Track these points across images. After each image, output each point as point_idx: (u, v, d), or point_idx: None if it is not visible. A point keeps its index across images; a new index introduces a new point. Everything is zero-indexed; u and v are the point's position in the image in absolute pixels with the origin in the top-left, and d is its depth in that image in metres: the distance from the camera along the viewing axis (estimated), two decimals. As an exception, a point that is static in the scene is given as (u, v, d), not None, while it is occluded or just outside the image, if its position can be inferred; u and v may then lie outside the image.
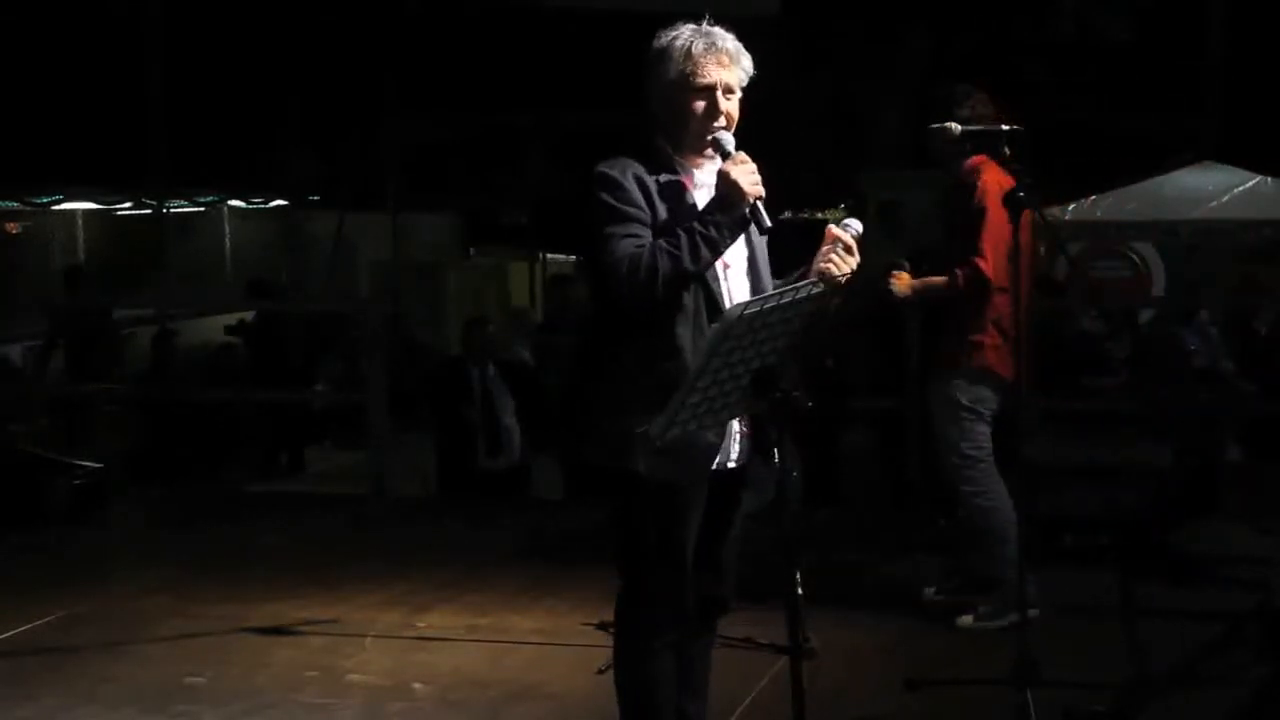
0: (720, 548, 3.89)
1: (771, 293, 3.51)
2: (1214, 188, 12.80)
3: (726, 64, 3.69)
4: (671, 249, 3.54)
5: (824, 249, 3.67)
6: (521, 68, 16.69)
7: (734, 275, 3.73)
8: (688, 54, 3.67)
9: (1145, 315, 12.27)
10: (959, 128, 5.39)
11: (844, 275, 3.64)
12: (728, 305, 3.61)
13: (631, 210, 3.61)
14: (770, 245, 3.78)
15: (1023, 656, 4.60)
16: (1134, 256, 14.79)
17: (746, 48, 3.76)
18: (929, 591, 6.02)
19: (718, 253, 3.61)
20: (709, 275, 3.64)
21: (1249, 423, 9.43)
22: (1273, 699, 4.88)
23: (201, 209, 19.48)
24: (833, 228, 3.69)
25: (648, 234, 3.60)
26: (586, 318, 3.90)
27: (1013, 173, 5.21)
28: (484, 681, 5.26)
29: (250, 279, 15.22)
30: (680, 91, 3.68)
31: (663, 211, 3.64)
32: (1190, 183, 13.05)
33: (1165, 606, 5.95)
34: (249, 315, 14.02)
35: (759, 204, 3.60)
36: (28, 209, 17.71)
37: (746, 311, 3.30)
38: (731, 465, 3.77)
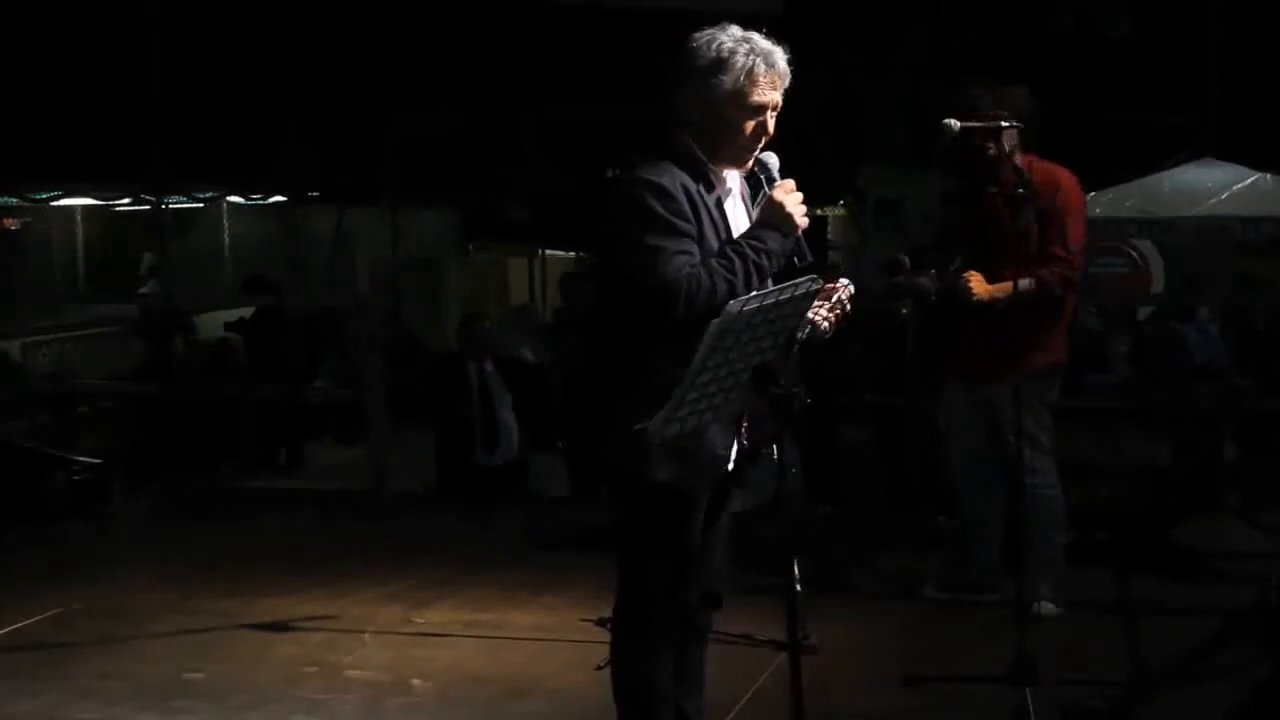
0: (712, 544, 3.91)
1: (770, 289, 3.51)
2: (1213, 184, 12.80)
3: (779, 84, 3.67)
4: (727, 273, 3.54)
5: (820, 299, 3.68)
6: (521, 63, 16.68)
7: None
8: (749, 72, 3.61)
9: (1144, 312, 12.30)
10: (957, 124, 5.29)
11: (827, 332, 3.71)
12: None
13: (682, 225, 3.57)
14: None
15: (1021, 654, 4.60)
16: (1133, 253, 14.81)
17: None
18: (929, 589, 6.02)
19: (765, 278, 3.62)
20: None
21: (1248, 419, 9.44)
22: (1272, 696, 4.88)
23: (201, 205, 19.47)
24: (838, 283, 3.75)
25: (696, 250, 3.57)
26: (596, 318, 3.83)
27: (1011, 170, 5.22)
28: (483, 677, 5.26)
29: (247, 277, 15.22)
30: (733, 108, 3.63)
31: (707, 226, 3.62)
32: (1189, 180, 13.06)
33: (1164, 603, 5.96)
34: (247, 312, 14.00)
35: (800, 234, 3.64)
36: (27, 205, 17.71)
37: (746, 308, 3.30)
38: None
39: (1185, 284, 13.95)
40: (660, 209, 3.56)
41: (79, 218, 18.91)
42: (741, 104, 3.63)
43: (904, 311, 5.80)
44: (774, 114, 3.68)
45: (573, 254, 16.95)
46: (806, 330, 3.65)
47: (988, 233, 5.60)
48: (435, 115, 17.08)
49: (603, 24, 15.23)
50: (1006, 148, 5.42)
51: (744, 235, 3.64)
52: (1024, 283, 5.49)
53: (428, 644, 5.66)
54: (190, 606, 6.18)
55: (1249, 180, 12.74)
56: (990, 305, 5.53)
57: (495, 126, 18.11)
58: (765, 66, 3.63)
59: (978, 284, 5.54)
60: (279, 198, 19.80)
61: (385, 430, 8.68)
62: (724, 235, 3.65)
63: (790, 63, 3.69)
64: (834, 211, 20.18)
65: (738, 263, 3.56)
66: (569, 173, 16.48)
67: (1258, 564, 6.33)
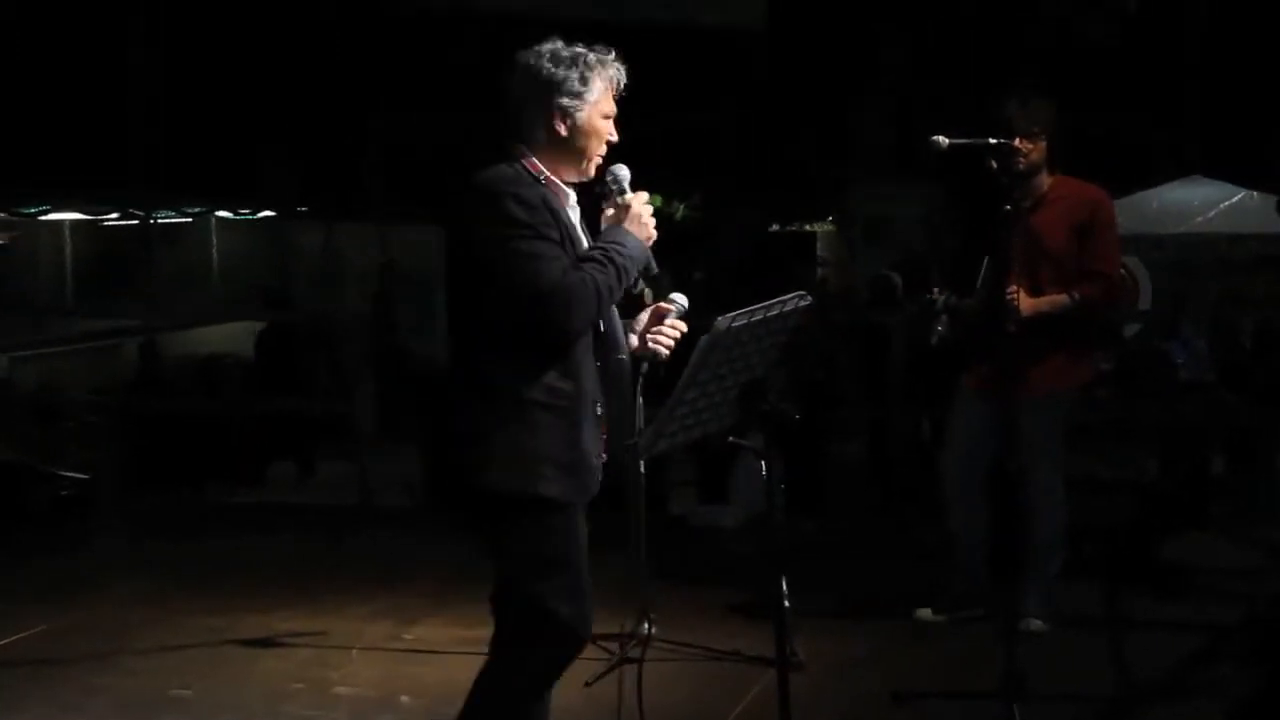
0: None
1: (759, 305, 3.51)
2: (1200, 202, 12.87)
3: (615, 93, 3.71)
4: (605, 277, 3.48)
5: (652, 325, 3.70)
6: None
7: None
8: (611, 81, 3.67)
9: (1131, 329, 12.31)
10: (946, 141, 5.26)
11: (669, 350, 3.68)
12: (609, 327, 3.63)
13: (552, 232, 3.51)
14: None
15: (1010, 669, 4.60)
16: (1121, 270, 14.81)
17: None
18: (925, 613, 5.96)
19: (627, 283, 3.58)
20: None
21: (1234, 435, 9.46)
22: (1258, 710, 4.89)
23: (189, 219, 19.46)
24: (662, 304, 3.72)
25: (565, 257, 3.51)
26: (460, 340, 3.66)
27: (1002, 186, 5.22)
28: (471, 693, 5.24)
29: (259, 287, 15.18)
30: (598, 116, 3.65)
31: (578, 236, 3.60)
32: (1176, 197, 13.12)
33: (1152, 618, 5.97)
34: (237, 328, 13.97)
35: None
36: (14, 219, 17.68)
37: (734, 324, 3.31)
38: None
39: (1172, 301, 13.98)
40: (523, 216, 3.51)
41: (66, 232, 18.88)
42: (602, 112, 3.68)
43: (939, 330, 5.71)
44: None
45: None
46: (648, 361, 3.65)
47: (1025, 249, 5.52)
48: (422, 126, 17.07)
49: (591, 37, 15.24)
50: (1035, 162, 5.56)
51: (603, 241, 3.57)
52: (1066, 298, 5.56)
53: (416, 660, 5.65)
54: (177, 623, 6.16)
55: (1235, 198, 12.80)
56: (1033, 320, 5.48)
57: (487, 138, 18.10)
58: (617, 74, 3.69)
59: (1024, 300, 5.50)
60: (267, 212, 19.79)
61: (374, 445, 8.65)
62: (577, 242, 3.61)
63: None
64: (822, 227, 20.21)
65: (610, 268, 3.50)
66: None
67: (1245, 579, 6.35)
